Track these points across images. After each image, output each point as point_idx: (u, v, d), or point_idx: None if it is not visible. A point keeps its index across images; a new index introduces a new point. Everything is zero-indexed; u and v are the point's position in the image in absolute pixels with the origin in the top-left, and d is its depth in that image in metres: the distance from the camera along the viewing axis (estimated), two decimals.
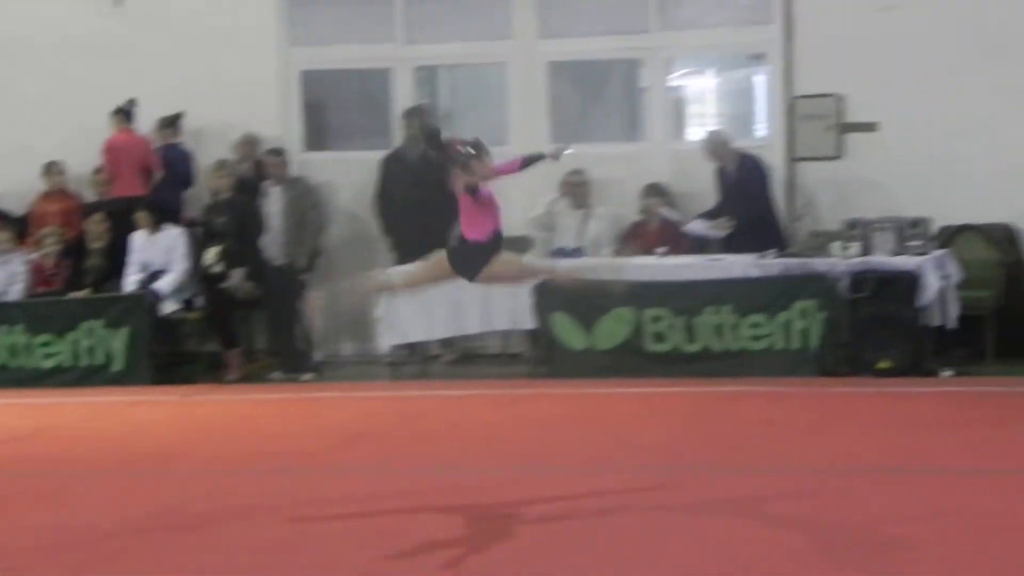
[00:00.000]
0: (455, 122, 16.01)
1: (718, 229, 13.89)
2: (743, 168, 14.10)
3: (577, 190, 14.66)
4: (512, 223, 14.81)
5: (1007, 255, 13.91)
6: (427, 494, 9.07)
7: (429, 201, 14.94)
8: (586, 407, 12.16)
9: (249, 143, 15.32)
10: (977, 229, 13.94)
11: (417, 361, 14.69)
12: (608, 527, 8.15)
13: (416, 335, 14.16)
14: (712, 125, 15.53)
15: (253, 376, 14.52)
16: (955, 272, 13.16)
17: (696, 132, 15.49)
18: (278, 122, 15.66)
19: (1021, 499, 8.46)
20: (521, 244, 14.58)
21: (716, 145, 14.30)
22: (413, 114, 15.21)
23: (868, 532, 7.88)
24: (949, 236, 13.84)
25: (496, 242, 9.08)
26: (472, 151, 9.08)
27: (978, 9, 14.23)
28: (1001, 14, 14.15)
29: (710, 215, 14.11)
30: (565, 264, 10.10)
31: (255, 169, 15.18)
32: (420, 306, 13.81)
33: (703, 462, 9.84)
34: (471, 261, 9.10)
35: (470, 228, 9.01)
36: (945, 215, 13.80)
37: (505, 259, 9.24)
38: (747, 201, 13.94)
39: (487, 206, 9.04)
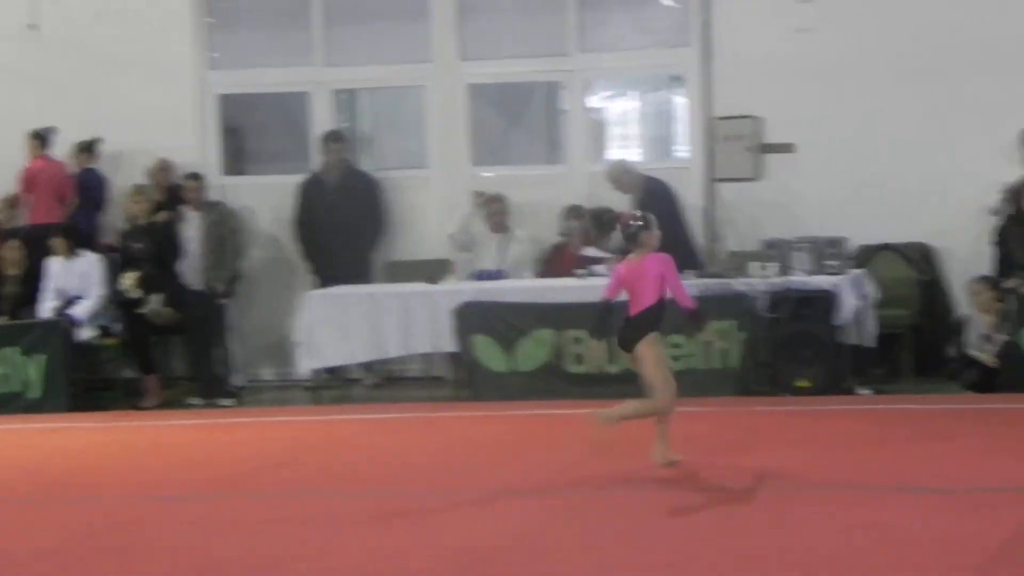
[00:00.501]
0: (375, 146, 15.97)
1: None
2: (648, 193, 14.15)
3: (497, 213, 14.65)
4: (431, 245, 14.95)
5: (923, 274, 14.02)
6: (346, 519, 9.00)
7: (349, 225, 14.92)
8: (508, 429, 12.11)
9: (163, 169, 15.22)
10: (894, 248, 14.05)
11: (338, 385, 14.61)
12: (526, 551, 8.11)
13: (336, 359, 14.08)
14: (625, 150, 15.60)
15: (172, 402, 14.39)
16: (872, 291, 13.25)
17: (616, 154, 15.53)
18: (196, 146, 15.57)
19: (938, 516, 8.49)
20: (441, 267, 14.59)
21: (617, 174, 14.34)
22: (332, 138, 15.19)
23: (790, 547, 7.90)
24: (866, 255, 13.94)
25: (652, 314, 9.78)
26: (641, 223, 9.73)
27: (892, 32, 14.36)
28: (915, 37, 14.27)
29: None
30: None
31: (172, 194, 15.07)
32: (340, 330, 13.75)
33: (622, 481, 9.82)
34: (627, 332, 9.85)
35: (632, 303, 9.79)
36: (862, 235, 13.91)
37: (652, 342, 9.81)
38: (659, 224, 13.95)
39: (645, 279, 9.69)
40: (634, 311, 9.86)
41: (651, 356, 9.86)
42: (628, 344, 9.91)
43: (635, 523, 8.64)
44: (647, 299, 9.79)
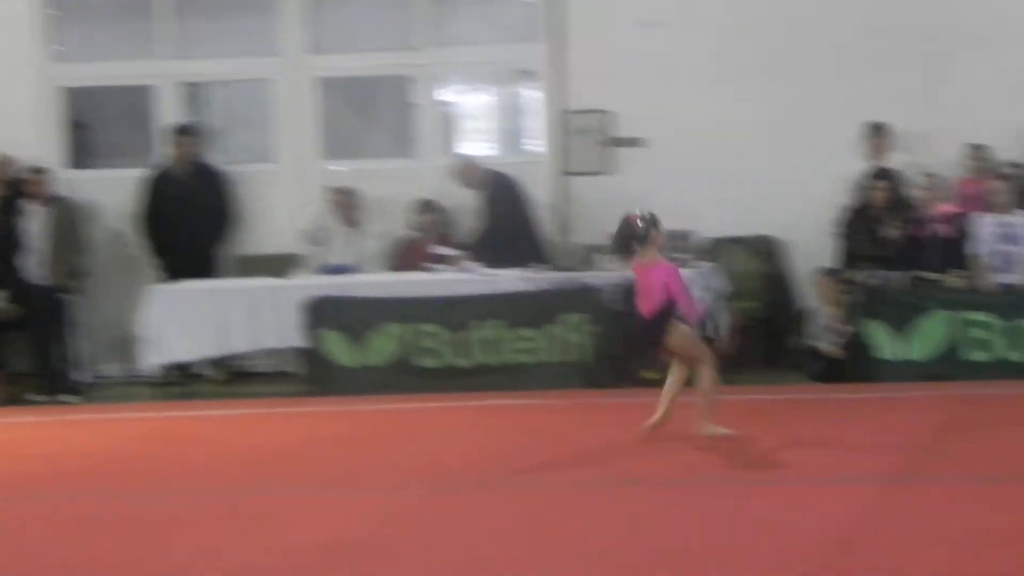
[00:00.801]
0: (224, 139, 15.78)
1: (455, 265, 13.83)
2: (494, 187, 14.13)
3: (347, 208, 14.54)
4: (280, 239, 14.81)
5: (769, 267, 14.14)
6: (187, 516, 8.86)
7: (197, 220, 14.73)
8: (357, 425, 12.03)
9: (3, 163, 14.88)
10: (741, 241, 14.15)
11: (185, 381, 14.41)
12: (380, 551, 8.04)
13: (183, 355, 13.89)
14: (477, 144, 15.54)
15: (15, 399, 14.09)
16: (721, 283, 13.32)
17: (469, 148, 15.49)
18: (38, 140, 15.27)
19: (773, 508, 8.50)
20: (290, 261, 14.46)
21: (462, 169, 14.31)
22: (182, 132, 15.00)
23: (643, 540, 7.91)
24: (715, 249, 14.02)
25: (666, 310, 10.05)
26: (651, 223, 10.05)
27: (742, 28, 14.46)
28: (763, 33, 14.38)
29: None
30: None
31: (14, 188, 14.76)
32: (187, 326, 13.57)
33: (473, 478, 9.78)
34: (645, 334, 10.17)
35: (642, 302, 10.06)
36: (711, 228, 13.98)
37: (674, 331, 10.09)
38: (507, 218, 13.98)
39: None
40: (647, 311, 10.14)
41: (682, 340, 10.20)
42: (655, 342, 10.23)
43: (484, 519, 8.61)
44: (656, 300, 10.10)
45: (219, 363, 14.50)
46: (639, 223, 10.19)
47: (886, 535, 7.83)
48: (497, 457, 10.35)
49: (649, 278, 10.17)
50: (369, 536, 8.25)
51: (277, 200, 15.27)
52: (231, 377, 14.63)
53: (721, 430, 10.29)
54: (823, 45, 14.21)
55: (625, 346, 12.94)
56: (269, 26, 15.37)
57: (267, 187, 15.28)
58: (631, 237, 10.21)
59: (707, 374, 10.36)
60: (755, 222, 14.19)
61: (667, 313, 10.17)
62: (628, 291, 12.83)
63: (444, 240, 14.26)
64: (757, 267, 14.08)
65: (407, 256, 14.44)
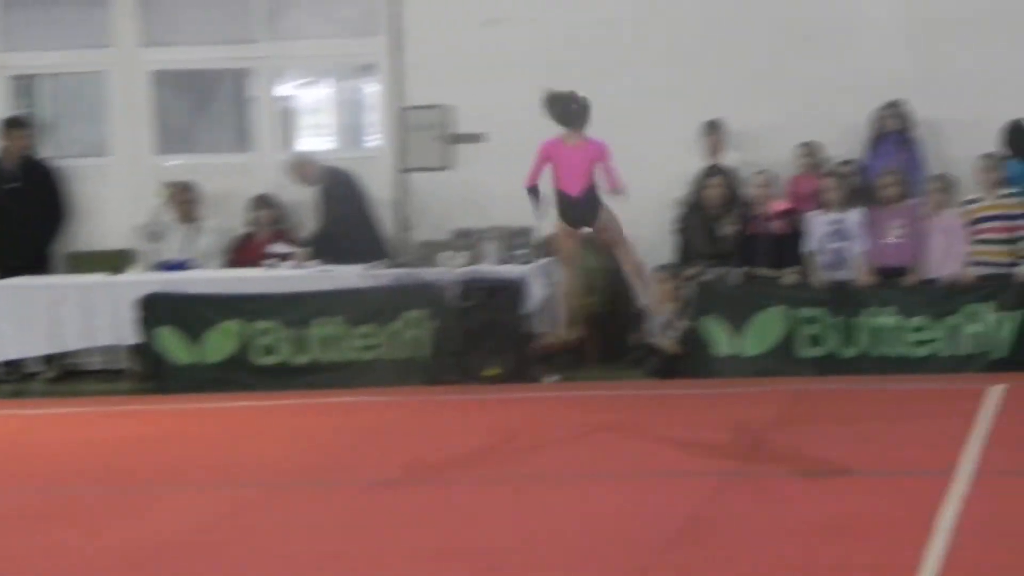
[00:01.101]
0: (55, 133, 15.48)
1: (298, 262, 13.74)
2: (331, 183, 14.04)
3: (184, 203, 14.36)
4: (114, 235, 14.58)
5: (609, 262, 14.17)
6: (19, 514, 8.71)
7: (28, 215, 14.46)
8: (193, 423, 11.89)
9: None
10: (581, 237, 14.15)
11: (15, 379, 14.12)
12: (215, 549, 7.96)
13: (14, 352, 13.61)
14: (316, 139, 15.44)
15: None
16: (559, 280, 13.34)
17: (304, 144, 15.38)
18: None
19: (613, 503, 8.57)
20: (124, 257, 14.26)
21: (296, 166, 14.21)
22: (12, 125, 14.72)
23: (474, 537, 7.91)
24: (555, 244, 14.04)
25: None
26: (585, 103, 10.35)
27: (579, 24, 14.47)
28: (601, 29, 14.41)
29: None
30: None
31: None
32: (17, 323, 13.31)
33: (309, 475, 9.71)
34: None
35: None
36: (550, 224, 13.96)
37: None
38: (345, 215, 13.89)
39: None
40: (576, 191, 10.37)
41: (610, 220, 10.60)
42: (587, 221, 10.51)
43: (314, 516, 8.57)
44: (585, 179, 10.41)
45: (51, 360, 14.23)
46: (579, 99, 10.38)
47: (721, 528, 7.94)
48: (333, 456, 10.29)
49: (577, 157, 10.31)
50: (200, 534, 8.20)
51: (111, 195, 15.02)
52: (64, 375, 14.36)
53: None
54: (662, 42, 14.29)
55: (466, 343, 12.95)
56: (102, 17, 15.12)
57: (100, 181, 15.03)
58: (574, 111, 10.40)
59: (630, 254, 10.82)
60: None
61: (595, 193, 10.35)
62: (468, 287, 12.92)
63: (282, 236, 14.14)
64: (597, 263, 14.12)
65: (244, 252, 14.29)
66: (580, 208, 10.40)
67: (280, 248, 13.84)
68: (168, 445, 10.92)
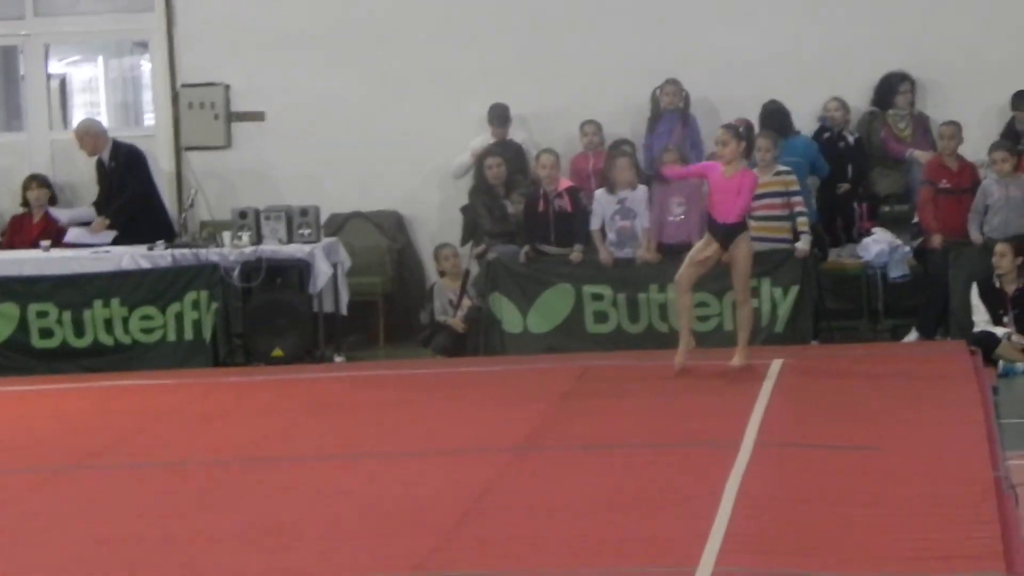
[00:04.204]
0: None
1: (95, 232, 13.48)
2: (117, 158, 13.76)
3: None
4: None
5: (395, 241, 14.19)
6: None
7: None
8: None
9: None
10: (365, 216, 14.15)
11: None
12: None
13: None
14: (92, 114, 15.11)
15: None
16: (345, 259, 13.30)
17: (75, 122, 15.06)
18: None
19: (401, 481, 8.59)
20: None
21: (85, 134, 13.88)
22: None
23: (255, 519, 7.89)
24: (338, 224, 13.99)
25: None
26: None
27: (348, 3, 14.36)
28: (380, 5, 14.35)
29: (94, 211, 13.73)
30: None
31: None
32: None
33: (82, 460, 9.55)
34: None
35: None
36: (334, 203, 13.94)
37: None
38: (125, 192, 13.62)
39: None
40: (733, 216, 11.16)
41: (749, 249, 11.42)
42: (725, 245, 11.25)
43: (106, 498, 8.55)
44: (741, 204, 11.21)
45: None
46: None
47: (509, 505, 8.03)
48: (109, 439, 10.13)
49: (735, 183, 11.05)
50: None
51: None
52: None
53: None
54: (444, 17, 14.27)
55: (250, 324, 12.81)
56: None
57: None
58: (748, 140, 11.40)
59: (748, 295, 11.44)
60: (379, 197, 14.19)
61: (745, 219, 11.16)
62: (252, 268, 12.79)
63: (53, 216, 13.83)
64: (382, 242, 14.11)
65: (18, 233, 13.94)
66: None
67: (69, 215, 13.48)
68: None
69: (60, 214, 13.85)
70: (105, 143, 13.81)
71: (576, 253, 12.87)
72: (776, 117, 13.37)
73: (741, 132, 11.29)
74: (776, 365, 11.43)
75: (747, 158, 11.61)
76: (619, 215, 12.93)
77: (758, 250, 12.16)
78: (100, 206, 13.71)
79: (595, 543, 7.24)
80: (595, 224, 12.95)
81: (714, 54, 13.91)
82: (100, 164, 13.82)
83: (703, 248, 11.30)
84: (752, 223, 11.92)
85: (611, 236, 12.92)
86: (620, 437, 9.56)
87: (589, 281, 12.79)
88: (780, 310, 12.59)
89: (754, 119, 13.30)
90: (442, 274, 13.30)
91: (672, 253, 12.33)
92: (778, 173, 12.70)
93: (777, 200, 12.69)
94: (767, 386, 10.78)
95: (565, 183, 13.13)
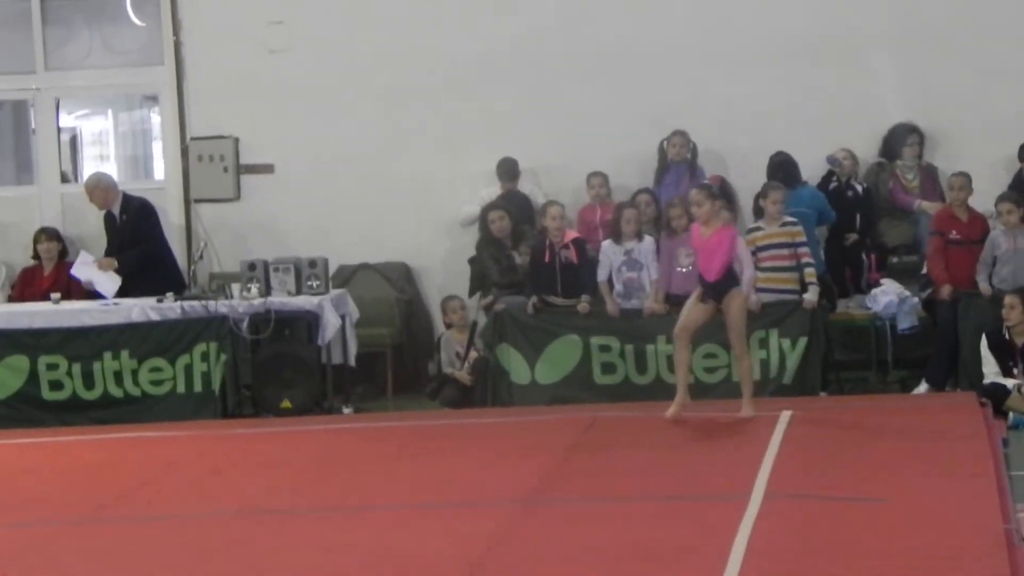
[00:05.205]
0: None
1: (103, 270, 13.51)
2: (128, 211, 13.83)
3: None
4: None
5: (403, 292, 14.21)
6: None
7: None
8: None
9: None
10: (373, 268, 14.18)
11: None
12: None
13: None
14: (102, 167, 15.18)
15: None
16: (353, 311, 13.32)
17: (85, 176, 15.12)
18: None
19: (409, 534, 8.58)
20: None
21: (95, 188, 13.94)
22: None
23: (266, 569, 7.84)
24: (346, 275, 14.02)
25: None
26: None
27: (364, 53, 14.39)
28: (384, 59, 14.34)
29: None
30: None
31: None
32: None
33: (93, 512, 9.56)
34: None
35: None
36: (342, 255, 13.97)
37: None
38: (137, 245, 13.68)
39: None
40: (715, 273, 11.31)
41: (742, 304, 11.50)
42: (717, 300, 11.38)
43: (116, 551, 8.52)
44: (723, 261, 11.35)
45: None
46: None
47: (522, 555, 7.99)
48: (116, 491, 10.12)
49: (713, 242, 11.19)
50: None
51: None
52: None
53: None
54: (453, 75, 14.31)
55: (259, 376, 12.82)
56: None
57: None
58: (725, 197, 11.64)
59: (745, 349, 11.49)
60: (387, 249, 14.23)
61: (732, 275, 11.23)
62: (261, 320, 12.81)
63: (66, 269, 13.88)
64: (390, 293, 14.13)
65: (29, 286, 13.98)
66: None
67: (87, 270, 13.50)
68: None
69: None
70: (116, 196, 13.88)
71: (584, 304, 12.88)
72: (784, 168, 13.40)
73: (715, 191, 11.41)
74: (785, 417, 11.42)
75: (731, 212, 11.66)
76: (626, 266, 12.95)
77: (765, 301, 12.17)
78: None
79: None
80: (602, 275, 12.97)
81: (721, 105, 13.98)
82: (110, 217, 13.88)
83: (696, 302, 11.39)
84: (759, 274, 11.95)
85: (618, 287, 12.94)
86: (629, 490, 9.55)
87: (596, 332, 12.79)
88: (788, 361, 12.57)
89: (761, 170, 13.35)
90: (449, 326, 13.32)
91: (679, 304, 12.32)
92: (784, 224, 12.72)
93: (784, 251, 12.71)
94: (776, 438, 10.76)
95: (571, 234, 13.16)
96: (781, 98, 13.96)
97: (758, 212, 12.90)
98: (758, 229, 12.82)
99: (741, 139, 13.84)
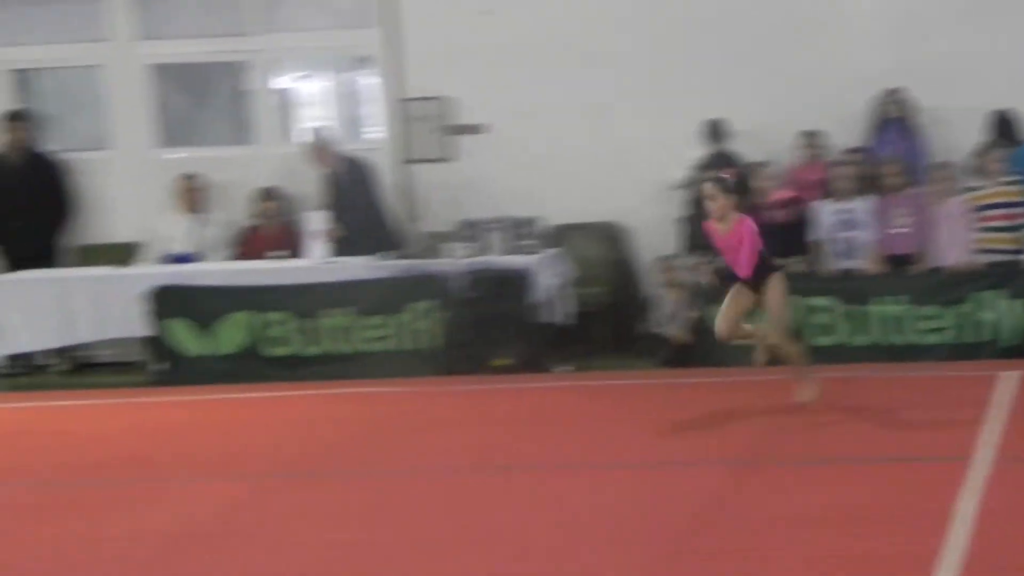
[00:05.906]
0: (56, 126, 15.49)
1: (332, 239, 13.77)
2: (350, 171, 14.10)
3: (190, 195, 14.41)
4: (119, 228, 14.63)
5: (615, 252, 14.29)
6: (38, 506, 8.81)
7: (33, 208, 14.49)
8: (205, 414, 11.92)
9: None
10: (586, 227, 14.29)
11: (28, 372, 14.14)
12: (229, 537, 8.06)
13: (26, 345, 13.63)
14: (316, 127, 15.45)
15: None
16: (567, 270, 13.44)
17: (305, 135, 15.41)
18: None
19: (629, 492, 8.64)
20: (131, 250, 14.30)
21: (319, 148, 14.24)
22: (13, 118, 14.74)
23: (475, 525, 8.02)
24: (560, 235, 14.14)
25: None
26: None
27: (579, 12, 14.52)
28: (600, 17, 14.47)
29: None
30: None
31: None
32: (29, 316, 13.33)
33: (321, 466, 9.79)
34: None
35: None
36: (555, 214, 14.09)
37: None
38: (356, 204, 13.94)
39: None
40: (748, 267, 10.68)
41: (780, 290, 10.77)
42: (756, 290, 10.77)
43: (328, 504, 8.67)
44: (748, 252, 10.68)
45: (63, 353, 14.24)
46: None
47: (740, 516, 8.01)
48: (339, 445, 10.36)
49: (733, 238, 10.66)
50: (214, 523, 8.32)
51: (113, 188, 15.06)
52: (76, 367, 14.39)
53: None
54: (661, 36, 14.36)
55: (475, 333, 13.00)
56: (98, 12, 15.14)
57: (103, 175, 15.07)
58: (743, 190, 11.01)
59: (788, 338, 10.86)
60: (599, 208, 14.32)
61: (765, 262, 10.70)
62: (475, 278, 12.99)
63: (286, 229, 14.20)
64: (602, 253, 14.22)
65: (250, 245, 14.33)
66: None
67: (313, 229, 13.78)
68: (180, 436, 10.99)
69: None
70: (334, 156, 14.16)
71: (796, 264, 12.82)
72: (1004, 125, 13.18)
73: (730, 185, 10.71)
74: (1005, 379, 11.27)
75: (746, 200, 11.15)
76: (842, 226, 12.87)
77: (986, 262, 11.99)
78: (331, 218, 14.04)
79: (830, 560, 7.17)
80: (817, 235, 12.90)
81: (940, 61, 13.77)
82: (329, 176, 14.15)
83: (735, 296, 10.85)
84: (977, 235, 11.78)
85: (834, 247, 12.87)
86: (845, 451, 9.50)
87: (812, 293, 12.72)
88: (1006, 323, 12.41)
89: (979, 127, 13.16)
90: (664, 285, 13.36)
91: (896, 264, 12.22)
92: (1005, 183, 12.54)
93: (1001, 211, 12.54)
94: (1001, 399, 10.62)
95: (784, 194, 13.11)
96: (1005, 51, 13.72)
97: (977, 171, 12.74)
98: (977, 188, 12.65)
99: (959, 95, 13.63)
